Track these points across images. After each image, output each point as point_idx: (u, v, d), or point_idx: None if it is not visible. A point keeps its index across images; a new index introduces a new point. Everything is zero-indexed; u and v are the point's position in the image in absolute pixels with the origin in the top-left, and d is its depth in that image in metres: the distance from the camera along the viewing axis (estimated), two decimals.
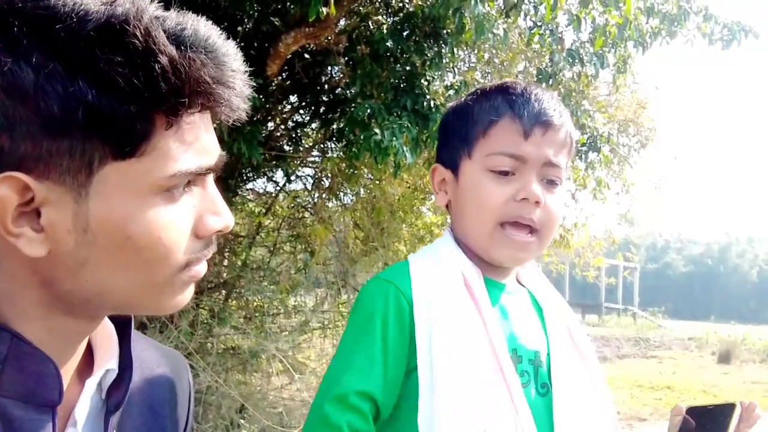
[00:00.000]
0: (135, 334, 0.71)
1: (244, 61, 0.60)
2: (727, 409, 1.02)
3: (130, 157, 0.54)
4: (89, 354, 0.68)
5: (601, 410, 0.98)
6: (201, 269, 0.62)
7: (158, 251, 0.57)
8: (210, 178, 0.62)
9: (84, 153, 0.52)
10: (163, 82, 0.52)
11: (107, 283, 0.57)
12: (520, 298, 1.09)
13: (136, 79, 0.51)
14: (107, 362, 0.66)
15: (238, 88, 0.59)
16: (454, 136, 1.09)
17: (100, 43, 0.51)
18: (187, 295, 0.63)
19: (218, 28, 0.58)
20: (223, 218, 0.62)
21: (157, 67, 0.52)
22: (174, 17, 0.55)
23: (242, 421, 4.96)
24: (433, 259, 1.06)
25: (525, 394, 0.95)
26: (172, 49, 0.53)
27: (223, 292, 5.90)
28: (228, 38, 0.59)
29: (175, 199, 0.58)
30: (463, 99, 1.14)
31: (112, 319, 0.70)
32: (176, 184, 0.57)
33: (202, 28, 0.56)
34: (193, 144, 0.58)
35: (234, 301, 5.98)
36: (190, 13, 0.57)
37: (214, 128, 0.62)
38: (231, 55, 0.58)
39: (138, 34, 0.51)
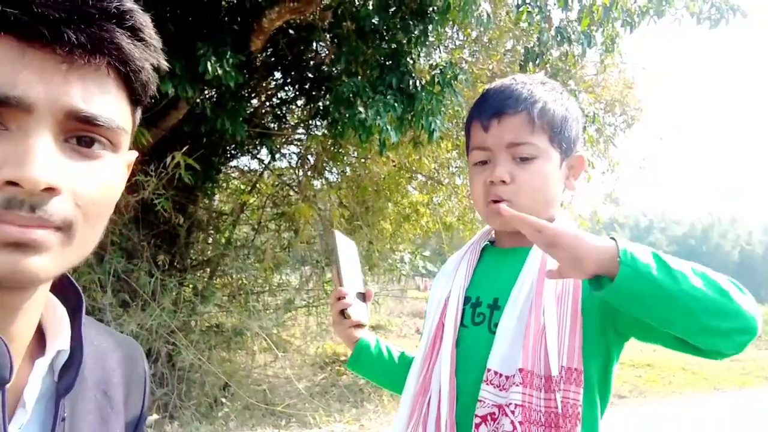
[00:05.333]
0: (88, 320, 0.70)
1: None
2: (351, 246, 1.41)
3: None
4: (41, 338, 0.66)
5: (529, 347, 1.10)
6: (2, 227, 0.53)
7: None
8: (35, 125, 0.54)
9: None
10: None
11: None
12: (511, 257, 1.23)
13: None
14: (59, 344, 0.65)
15: (40, 9, 0.52)
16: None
17: None
18: (7, 261, 0.53)
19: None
20: (20, 168, 0.52)
21: None
22: None
23: (225, 398, 4.97)
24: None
25: (478, 331, 1.18)
26: None
27: (207, 270, 5.88)
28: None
29: None
30: None
31: (65, 302, 0.68)
32: None
33: None
34: None
35: (218, 279, 5.96)
36: None
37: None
38: None
39: None
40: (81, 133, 0.57)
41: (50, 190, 0.53)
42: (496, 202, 1.19)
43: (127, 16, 0.56)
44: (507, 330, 1.13)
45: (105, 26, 0.55)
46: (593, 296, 1.11)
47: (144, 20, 0.58)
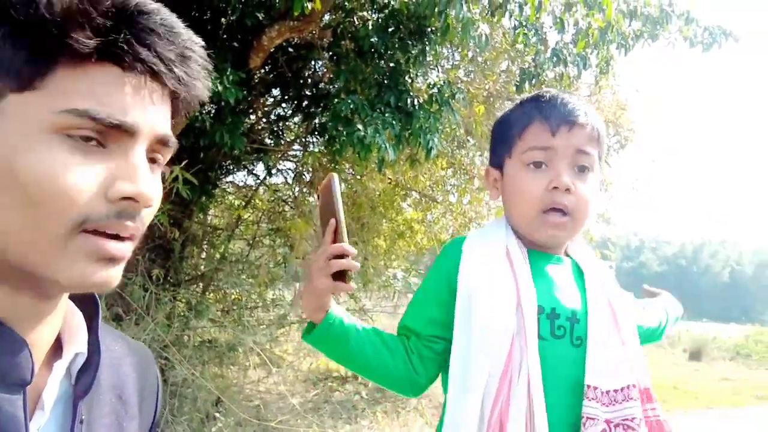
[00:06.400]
0: (103, 326, 0.72)
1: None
2: (328, 188, 1.19)
3: (27, 90, 0.56)
4: (58, 342, 0.68)
5: (625, 359, 1.13)
6: (108, 244, 0.59)
7: (45, 194, 0.55)
8: (136, 146, 0.60)
9: None
10: (43, 12, 0.54)
11: (2, 228, 0.56)
12: (565, 266, 1.26)
13: (37, 16, 0.54)
14: (76, 346, 0.67)
15: (159, 49, 0.59)
16: (498, 142, 1.30)
17: None
18: (95, 271, 0.59)
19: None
20: (135, 185, 0.59)
21: (56, 7, 0.55)
22: None
23: (218, 414, 4.94)
24: (484, 234, 1.30)
25: (559, 345, 1.15)
26: None
27: (201, 284, 5.86)
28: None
29: (79, 148, 0.57)
30: (507, 110, 1.35)
31: (80, 307, 0.71)
32: (72, 125, 0.56)
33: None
34: (101, 93, 0.58)
35: (212, 294, 5.94)
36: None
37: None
38: (158, 14, 0.60)
39: None
40: (156, 154, 0.64)
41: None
42: (555, 210, 1.19)
43: (205, 58, 0.66)
44: (601, 345, 1.14)
45: (196, 67, 0.64)
46: None
47: (208, 60, 0.67)
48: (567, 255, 1.31)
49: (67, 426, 0.64)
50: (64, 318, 0.68)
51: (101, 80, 0.57)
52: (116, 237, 0.59)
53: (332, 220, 1.15)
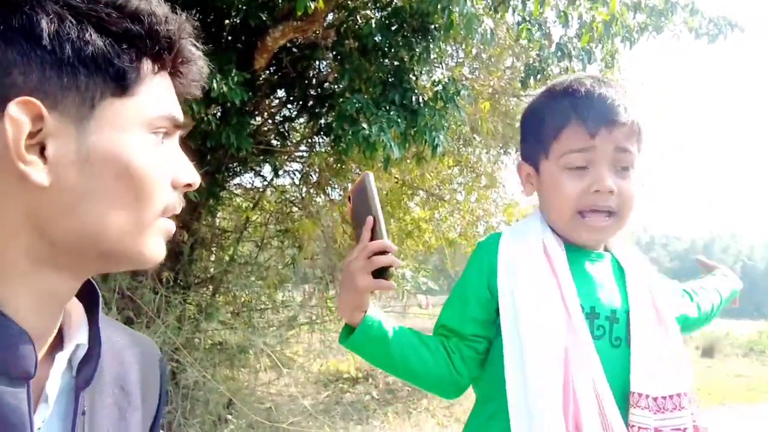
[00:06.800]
0: (105, 318, 0.73)
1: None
2: (362, 188, 1.15)
3: (125, 95, 0.61)
4: (59, 335, 0.68)
5: (672, 363, 1.10)
6: (172, 225, 0.68)
7: (149, 186, 0.62)
8: (177, 138, 0.68)
9: (88, 88, 0.59)
10: (159, 28, 0.62)
11: (102, 219, 0.61)
12: (604, 263, 1.21)
13: (135, 26, 0.60)
14: (77, 338, 0.67)
15: (201, 59, 0.69)
16: (531, 138, 1.25)
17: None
18: (163, 249, 0.68)
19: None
20: (193, 174, 0.68)
21: (154, 18, 0.61)
22: None
23: (230, 416, 4.95)
24: (519, 230, 1.26)
25: (598, 345, 1.10)
26: (166, 7, 0.64)
27: (210, 287, 5.88)
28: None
29: (158, 144, 0.64)
30: (536, 98, 1.29)
31: (81, 298, 0.71)
32: (161, 126, 0.64)
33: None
34: (171, 96, 0.66)
35: (221, 297, 5.95)
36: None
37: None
38: (189, 24, 0.68)
39: None
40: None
41: None
42: (596, 212, 1.16)
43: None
44: (646, 348, 1.10)
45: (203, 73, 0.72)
46: None
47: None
48: (606, 250, 1.27)
49: (70, 418, 0.64)
50: (65, 309, 0.68)
51: (167, 86, 0.66)
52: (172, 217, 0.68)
53: (369, 218, 1.12)
